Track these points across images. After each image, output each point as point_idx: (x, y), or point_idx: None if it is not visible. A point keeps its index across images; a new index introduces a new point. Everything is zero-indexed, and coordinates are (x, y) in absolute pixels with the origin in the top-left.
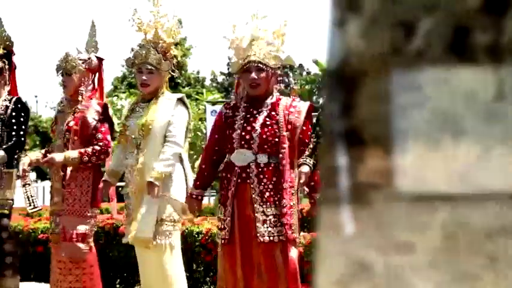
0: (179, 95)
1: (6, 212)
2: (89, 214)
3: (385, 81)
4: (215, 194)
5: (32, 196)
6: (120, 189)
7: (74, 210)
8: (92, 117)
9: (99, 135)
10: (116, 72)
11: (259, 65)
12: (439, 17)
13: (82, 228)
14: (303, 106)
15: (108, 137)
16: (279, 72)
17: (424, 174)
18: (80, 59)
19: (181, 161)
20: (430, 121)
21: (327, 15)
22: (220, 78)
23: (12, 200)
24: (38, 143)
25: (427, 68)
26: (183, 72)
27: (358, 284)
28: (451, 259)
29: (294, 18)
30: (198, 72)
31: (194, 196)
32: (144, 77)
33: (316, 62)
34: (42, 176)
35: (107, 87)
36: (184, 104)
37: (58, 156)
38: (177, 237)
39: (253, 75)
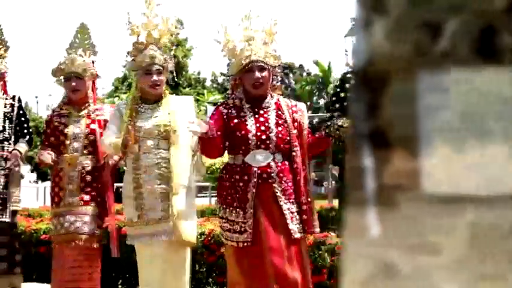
0: (190, 97)
1: (18, 208)
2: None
3: (411, 82)
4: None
5: None
6: (120, 190)
7: (94, 211)
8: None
9: None
10: (117, 73)
11: (261, 64)
12: (465, 18)
13: (99, 228)
14: (303, 106)
15: None
16: (278, 71)
17: (450, 175)
18: (89, 63)
19: None
20: (456, 122)
21: (328, 16)
22: (220, 79)
23: (20, 197)
24: (38, 143)
25: (453, 69)
26: (183, 73)
27: (384, 285)
28: (477, 260)
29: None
30: (198, 73)
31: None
32: (154, 78)
33: (316, 63)
34: (43, 176)
35: (108, 88)
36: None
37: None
38: None
39: (257, 74)
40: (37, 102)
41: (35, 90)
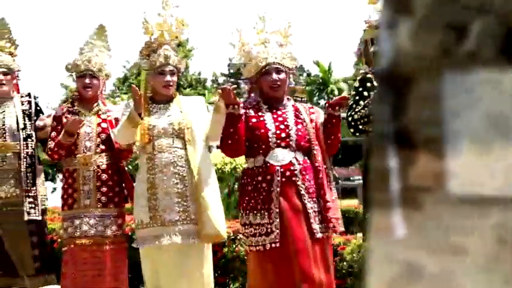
0: (199, 97)
1: (45, 207)
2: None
3: (436, 83)
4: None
5: None
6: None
7: (115, 211)
8: (122, 115)
9: None
10: (117, 73)
11: (278, 66)
12: (491, 19)
13: (122, 228)
14: (318, 108)
15: None
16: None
17: (475, 176)
18: (105, 64)
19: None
20: (482, 123)
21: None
22: (221, 80)
23: (46, 195)
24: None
25: (478, 70)
26: (184, 73)
27: (409, 286)
28: (503, 262)
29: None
30: (199, 74)
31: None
32: (168, 78)
33: (317, 63)
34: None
35: (108, 88)
36: None
37: None
38: None
39: (275, 76)
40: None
41: (34, 89)
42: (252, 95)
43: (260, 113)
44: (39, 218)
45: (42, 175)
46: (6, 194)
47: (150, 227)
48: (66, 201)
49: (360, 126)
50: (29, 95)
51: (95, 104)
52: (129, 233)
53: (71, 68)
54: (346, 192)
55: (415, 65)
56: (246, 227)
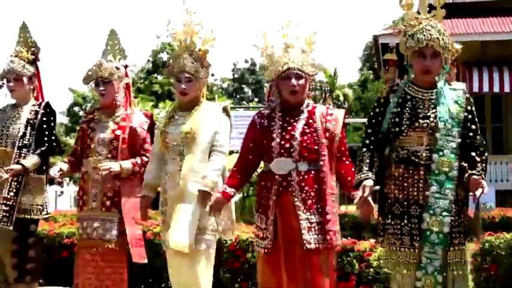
0: (222, 104)
1: (34, 217)
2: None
3: None
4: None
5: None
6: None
7: (117, 216)
8: (140, 126)
9: (147, 146)
10: None
11: (298, 72)
12: None
13: (138, 232)
14: (340, 114)
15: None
16: (315, 79)
17: None
18: (116, 67)
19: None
20: None
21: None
22: (225, 85)
23: (42, 205)
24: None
25: None
26: None
27: None
28: None
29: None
30: None
31: (227, 192)
32: (183, 86)
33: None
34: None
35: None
36: (227, 113)
37: (115, 166)
38: (214, 246)
39: (294, 81)
40: None
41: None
42: (272, 98)
43: (272, 122)
44: (10, 227)
45: (43, 185)
46: None
47: (165, 230)
48: (78, 203)
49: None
50: (39, 104)
51: (115, 110)
52: (151, 238)
53: (86, 80)
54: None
55: None
56: (254, 226)
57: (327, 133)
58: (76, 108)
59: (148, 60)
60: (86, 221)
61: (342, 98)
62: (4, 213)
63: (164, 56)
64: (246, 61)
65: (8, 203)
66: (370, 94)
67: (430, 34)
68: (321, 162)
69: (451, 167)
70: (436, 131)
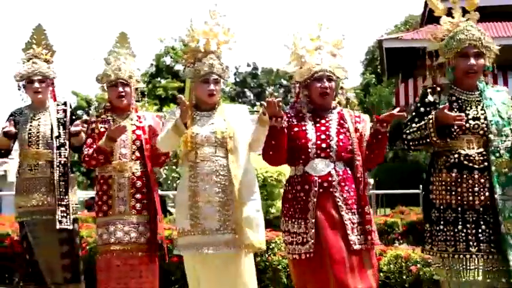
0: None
1: (77, 216)
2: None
3: None
4: None
5: None
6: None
7: (147, 219)
8: (158, 127)
9: None
10: None
11: (330, 74)
12: None
13: (154, 237)
14: (366, 116)
15: None
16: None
17: None
18: (132, 70)
19: None
20: None
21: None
22: (227, 88)
23: (78, 204)
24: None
25: None
26: None
27: None
28: None
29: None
30: None
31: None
32: (212, 87)
33: None
34: None
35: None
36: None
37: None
38: None
39: (326, 84)
40: None
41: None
42: (300, 99)
43: (303, 122)
44: (71, 227)
45: (75, 184)
46: (37, 202)
47: (190, 234)
48: (100, 208)
49: (412, 147)
50: (65, 103)
51: (128, 112)
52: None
53: (101, 79)
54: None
55: None
56: (285, 234)
57: (357, 133)
58: (79, 112)
59: (152, 64)
60: (112, 225)
61: (344, 102)
62: (62, 214)
63: (167, 60)
64: (248, 65)
65: (62, 203)
66: (373, 98)
67: (472, 34)
68: (357, 162)
69: (510, 167)
70: (488, 132)
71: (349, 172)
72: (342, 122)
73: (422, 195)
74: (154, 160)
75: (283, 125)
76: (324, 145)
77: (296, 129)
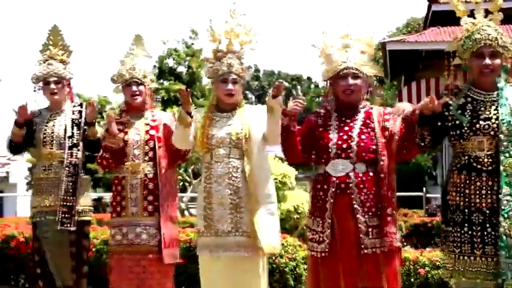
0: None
1: (88, 218)
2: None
3: None
4: None
5: None
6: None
7: (171, 217)
8: (171, 121)
9: None
10: None
11: (355, 71)
12: None
13: (175, 232)
14: (405, 105)
15: None
16: (373, 81)
17: None
18: (147, 70)
19: None
20: None
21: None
22: None
23: (91, 206)
24: None
25: None
26: (198, 83)
27: None
28: None
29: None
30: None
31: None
32: (230, 87)
33: None
34: None
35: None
36: None
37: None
38: None
39: (350, 81)
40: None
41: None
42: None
43: (328, 123)
44: (73, 228)
45: (89, 186)
46: (50, 203)
47: (204, 236)
48: (115, 209)
49: (424, 149)
50: (81, 105)
51: (143, 112)
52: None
53: (116, 79)
54: None
55: None
56: (307, 229)
57: (386, 132)
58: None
59: (155, 66)
60: (126, 226)
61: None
62: (64, 215)
63: (170, 62)
64: (250, 67)
65: (67, 204)
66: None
67: (487, 33)
68: (381, 163)
69: None
70: (499, 133)
71: (371, 173)
72: (367, 121)
73: (441, 196)
74: (175, 154)
75: (295, 130)
76: (344, 146)
77: (321, 129)
